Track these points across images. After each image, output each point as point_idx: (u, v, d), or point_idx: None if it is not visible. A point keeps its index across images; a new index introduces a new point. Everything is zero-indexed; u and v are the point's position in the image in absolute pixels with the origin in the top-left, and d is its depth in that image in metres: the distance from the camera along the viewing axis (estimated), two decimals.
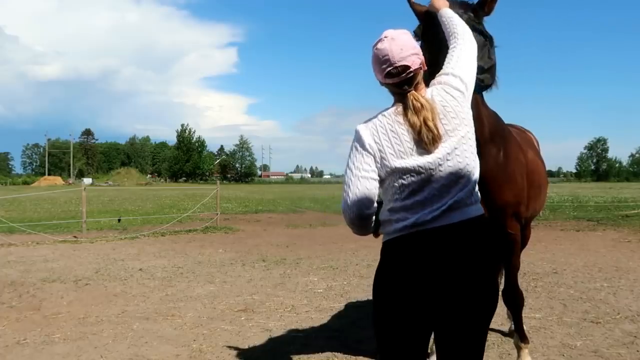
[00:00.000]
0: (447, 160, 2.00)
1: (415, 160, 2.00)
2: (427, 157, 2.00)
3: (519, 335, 3.85)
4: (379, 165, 2.05)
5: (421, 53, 2.09)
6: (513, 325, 4.07)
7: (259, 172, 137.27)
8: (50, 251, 10.13)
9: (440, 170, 2.00)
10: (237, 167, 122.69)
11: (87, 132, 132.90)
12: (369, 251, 9.94)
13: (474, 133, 2.09)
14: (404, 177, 2.01)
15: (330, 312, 5.57)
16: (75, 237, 12.31)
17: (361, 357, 4.21)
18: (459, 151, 2.01)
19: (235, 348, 4.44)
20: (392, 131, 2.03)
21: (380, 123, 2.07)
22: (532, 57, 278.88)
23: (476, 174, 2.07)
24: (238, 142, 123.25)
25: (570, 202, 24.39)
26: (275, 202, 27.80)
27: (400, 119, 2.04)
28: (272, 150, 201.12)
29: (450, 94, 2.06)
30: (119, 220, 16.15)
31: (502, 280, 4.13)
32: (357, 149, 2.08)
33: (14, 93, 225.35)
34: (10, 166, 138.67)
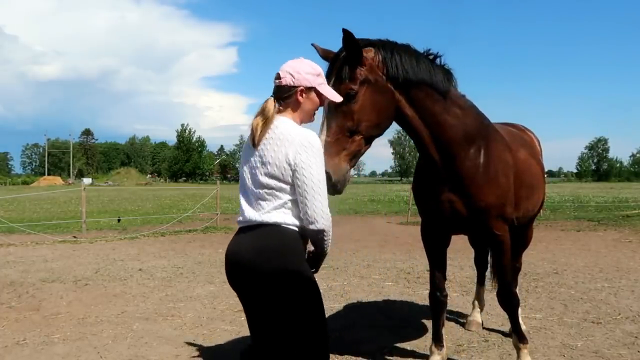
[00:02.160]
0: (258, 168, 2.31)
1: (247, 154, 2.40)
2: (251, 158, 2.35)
3: (517, 336, 3.83)
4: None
5: (300, 81, 2.35)
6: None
7: None
8: (50, 251, 10.13)
9: (254, 175, 2.33)
10: (237, 167, 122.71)
11: (87, 132, 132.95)
12: (369, 251, 9.94)
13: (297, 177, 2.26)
14: (241, 169, 2.43)
15: (330, 312, 5.55)
16: (74, 237, 12.31)
17: (361, 358, 4.19)
18: (271, 176, 2.28)
19: (235, 348, 4.43)
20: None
21: None
22: (532, 56, 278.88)
23: (282, 201, 2.28)
24: (238, 142, 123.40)
25: (571, 202, 24.40)
26: None
27: None
28: None
29: (291, 138, 2.26)
30: (119, 220, 16.14)
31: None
32: None
33: (14, 93, 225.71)
34: (9, 166, 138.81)
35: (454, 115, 3.23)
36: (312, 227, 2.27)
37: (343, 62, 2.87)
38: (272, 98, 2.40)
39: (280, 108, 2.39)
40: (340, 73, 2.85)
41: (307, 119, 2.48)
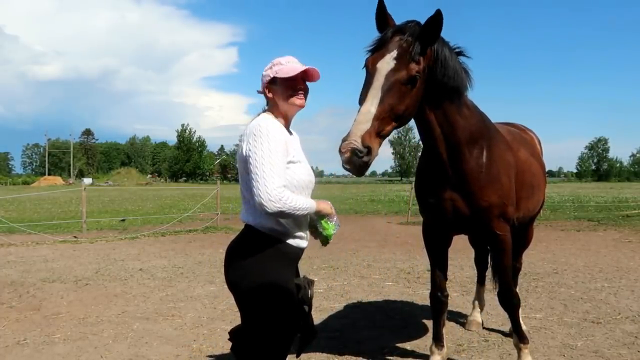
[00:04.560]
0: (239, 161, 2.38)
1: None
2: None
3: (517, 336, 3.83)
4: None
5: (263, 83, 2.44)
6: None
7: None
8: (50, 251, 10.13)
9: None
10: (237, 167, 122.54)
11: (87, 132, 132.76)
12: (369, 251, 9.94)
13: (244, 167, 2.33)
14: None
15: (331, 312, 5.56)
16: (75, 237, 12.31)
17: (361, 357, 4.20)
18: (240, 174, 2.39)
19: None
20: None
21: None
22: (532, 56, 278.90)
23: (251, 196, 2.26)
24: (238, 142, 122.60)
25: (571, 202, 24.39)
26: None
27: None
28: None
29: (248, 132, 2.34)
30: (123, 220, 16.10)
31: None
32: None
33: (14, 93, 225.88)
34: (10, 166, 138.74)
35: (464, 116, 3.23)
36: (267, 212, 2.20)
37: (416, 39, 2.73)
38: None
39: (266, 108, 2.50)
40: (408, 49, 2.71)
41: (284, 101, 2.41)
